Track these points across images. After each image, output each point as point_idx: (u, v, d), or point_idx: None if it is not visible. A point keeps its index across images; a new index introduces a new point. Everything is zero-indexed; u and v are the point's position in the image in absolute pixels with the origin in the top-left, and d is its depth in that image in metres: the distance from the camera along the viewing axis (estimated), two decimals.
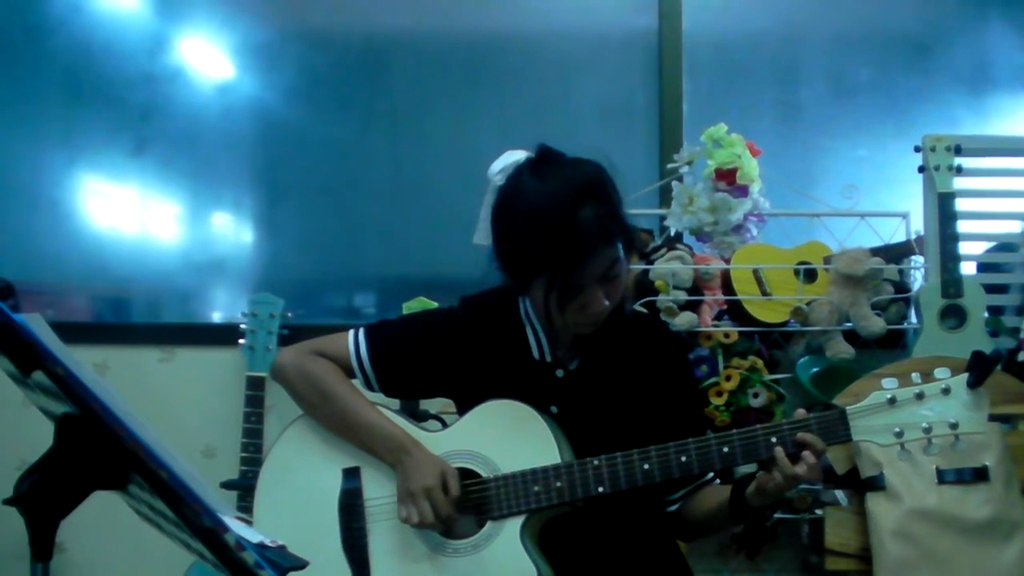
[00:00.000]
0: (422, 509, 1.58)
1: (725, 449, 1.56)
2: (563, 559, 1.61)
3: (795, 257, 2.57)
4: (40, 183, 3.09)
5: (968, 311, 2.49)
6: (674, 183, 2.61)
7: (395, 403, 1.90)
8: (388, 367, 1.74)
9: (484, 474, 1.62)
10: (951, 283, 2.49)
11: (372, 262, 3.14)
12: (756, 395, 2.44)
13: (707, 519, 1.72)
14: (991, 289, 2.61)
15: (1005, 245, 2.74)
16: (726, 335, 2.48)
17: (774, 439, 1.54)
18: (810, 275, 2.55)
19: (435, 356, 1.73)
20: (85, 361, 0.99)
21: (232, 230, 3.20)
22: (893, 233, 2.66)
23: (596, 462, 1.58)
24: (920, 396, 1.53)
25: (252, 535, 0.95)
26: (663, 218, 2.66)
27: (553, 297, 1.55)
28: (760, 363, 2.46)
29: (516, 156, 1.64)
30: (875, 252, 2.54)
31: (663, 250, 2.53)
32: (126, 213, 3.14)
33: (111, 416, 0.92)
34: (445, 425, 1.74)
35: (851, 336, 2.52)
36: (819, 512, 2.41)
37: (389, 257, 3.11)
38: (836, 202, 2.67)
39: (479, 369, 1.70)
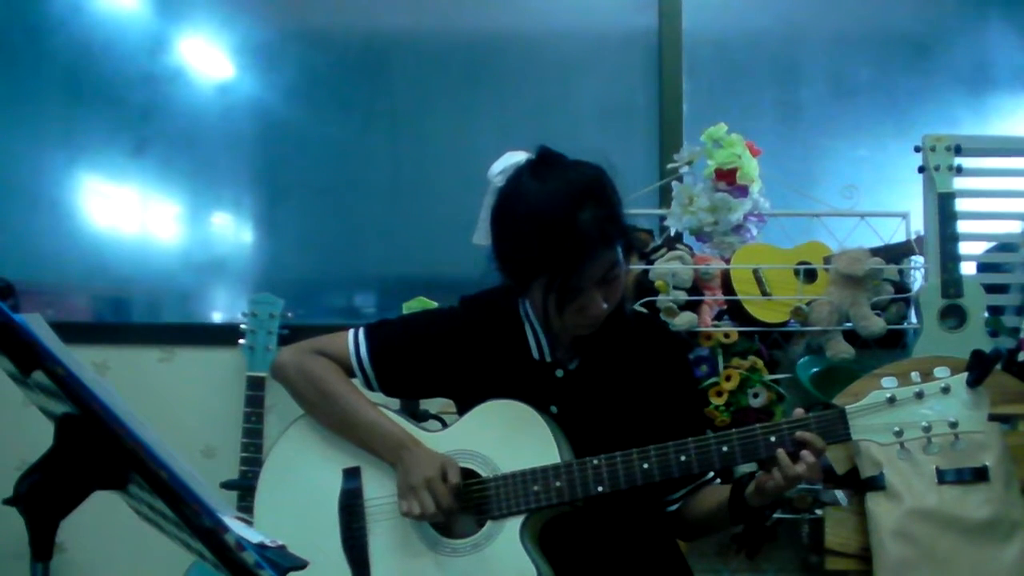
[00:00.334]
0: (423, 500, 1.58)
1: (724, 448, 1.56)
2: (563, 559, 1.61)
3: (795, 257, 2.57)
4: (40, 183, 3.08)
5: (968, 311, 2.49)
6: (674, 183, 2.61)
7: (395, 403, 1.90)
8: (388, 367, 1.74)
9: (484, 474, 1.62)
10: (951, 283, 2.49)
11: (372, 262, 3.14)
12: (756, 395, 2.44)
13: (707, 519, 1.72)
14: (991, 289, 2.61)
15: (1005, 245, 2.74)
16: (726, 335, 2.48)
17: (773, 438, 1.54)
18: (810, 275, 2.56)
19: (435, 356, 1.73)
20: (85, 361, 0.99)
21: (232, 230, 3.20)
22: (893, 233, 2.66)
23: (596, 462, 1.57)
24: (920, 395, 1.53)
25: (252, 535, 0.95)
26: (663, 218, 2.67)
27: (552, 299, 1.55)
28: (760, 363, 2.46)
29: (516, 157, 1.64)
30: (875, 252, 2.54)
31: (663, 250, 2.53)
32: (126, 213, 3.14)
33: (111, 416, 0.92)
34: (445, 425, 1.74)
35: (851, 336, 2.52)
36: (819, 512, 2.41)
37: (389, 257, 3.10)
38: (836, 202, 2.67)
39: (479, 369, 1.70)
